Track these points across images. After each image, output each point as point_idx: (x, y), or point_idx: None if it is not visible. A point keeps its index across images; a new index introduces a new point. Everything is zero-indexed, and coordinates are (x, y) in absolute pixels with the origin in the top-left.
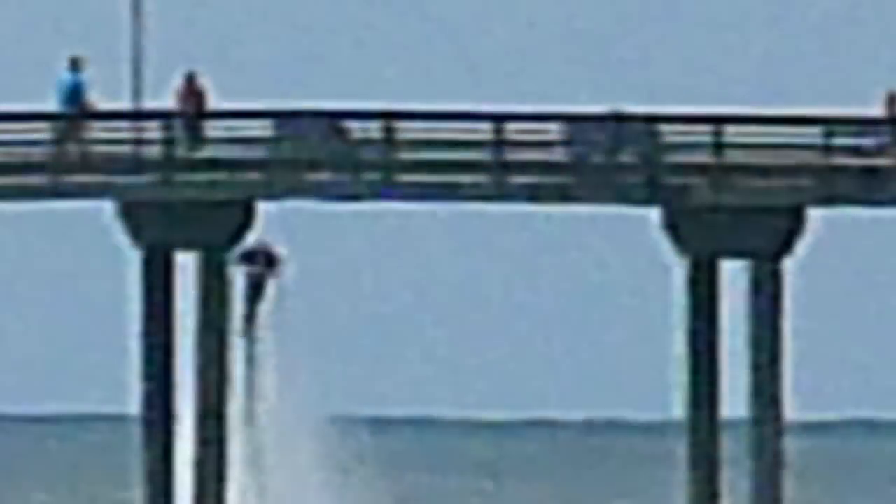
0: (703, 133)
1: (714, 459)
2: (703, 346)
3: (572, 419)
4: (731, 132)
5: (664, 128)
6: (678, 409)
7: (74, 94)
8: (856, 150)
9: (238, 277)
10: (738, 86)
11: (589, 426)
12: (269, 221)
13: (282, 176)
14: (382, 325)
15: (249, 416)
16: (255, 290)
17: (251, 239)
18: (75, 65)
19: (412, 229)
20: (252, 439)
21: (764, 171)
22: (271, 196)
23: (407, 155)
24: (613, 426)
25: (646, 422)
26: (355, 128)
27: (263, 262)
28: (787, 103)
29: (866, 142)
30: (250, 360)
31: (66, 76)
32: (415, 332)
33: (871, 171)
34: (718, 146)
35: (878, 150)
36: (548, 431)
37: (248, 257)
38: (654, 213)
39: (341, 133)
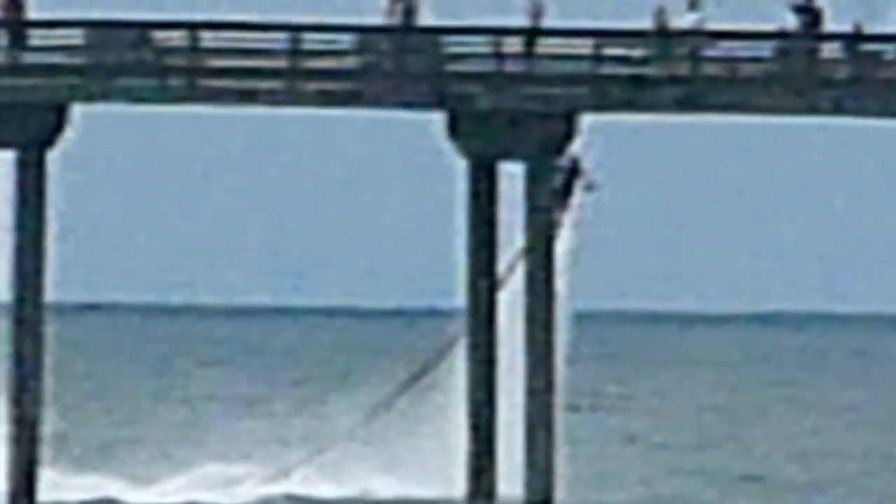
0: (484, 44)
1: (490, 341)
2: (482, 241)
3: (365, 307)
4: (510, 42)
5: (448, 38)
6: (460, 298)
7: None
8: (624, 60)
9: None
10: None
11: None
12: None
13: (95, 81)
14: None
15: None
16: (564, 189)
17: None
18: None
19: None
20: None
21: (541, 79)
22: (85, 99)
23: (210, 62)
24: (402, 314)
25: (430, 309)
26: (162, 37)
27: (570, 169)
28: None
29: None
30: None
31: None
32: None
33: (639, 79)
34: (499, 56)
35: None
36: (347, 319)
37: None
38: (438, 118)
39: (149, 41)
